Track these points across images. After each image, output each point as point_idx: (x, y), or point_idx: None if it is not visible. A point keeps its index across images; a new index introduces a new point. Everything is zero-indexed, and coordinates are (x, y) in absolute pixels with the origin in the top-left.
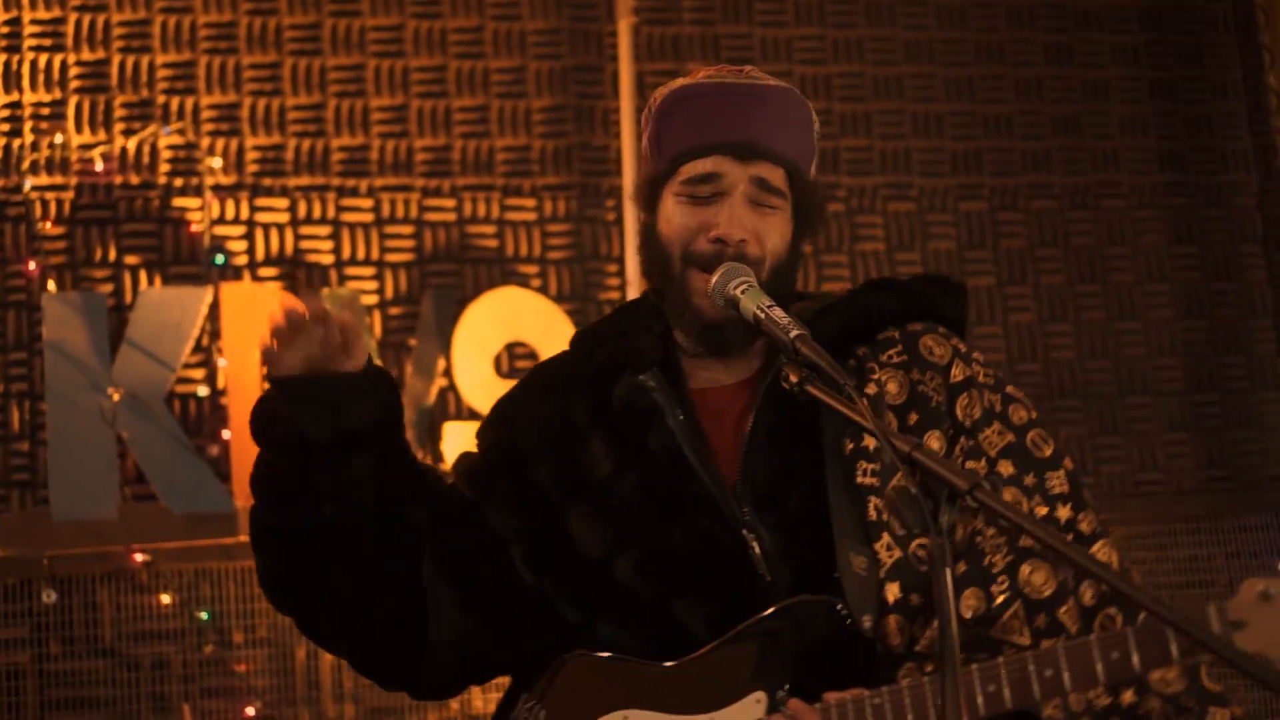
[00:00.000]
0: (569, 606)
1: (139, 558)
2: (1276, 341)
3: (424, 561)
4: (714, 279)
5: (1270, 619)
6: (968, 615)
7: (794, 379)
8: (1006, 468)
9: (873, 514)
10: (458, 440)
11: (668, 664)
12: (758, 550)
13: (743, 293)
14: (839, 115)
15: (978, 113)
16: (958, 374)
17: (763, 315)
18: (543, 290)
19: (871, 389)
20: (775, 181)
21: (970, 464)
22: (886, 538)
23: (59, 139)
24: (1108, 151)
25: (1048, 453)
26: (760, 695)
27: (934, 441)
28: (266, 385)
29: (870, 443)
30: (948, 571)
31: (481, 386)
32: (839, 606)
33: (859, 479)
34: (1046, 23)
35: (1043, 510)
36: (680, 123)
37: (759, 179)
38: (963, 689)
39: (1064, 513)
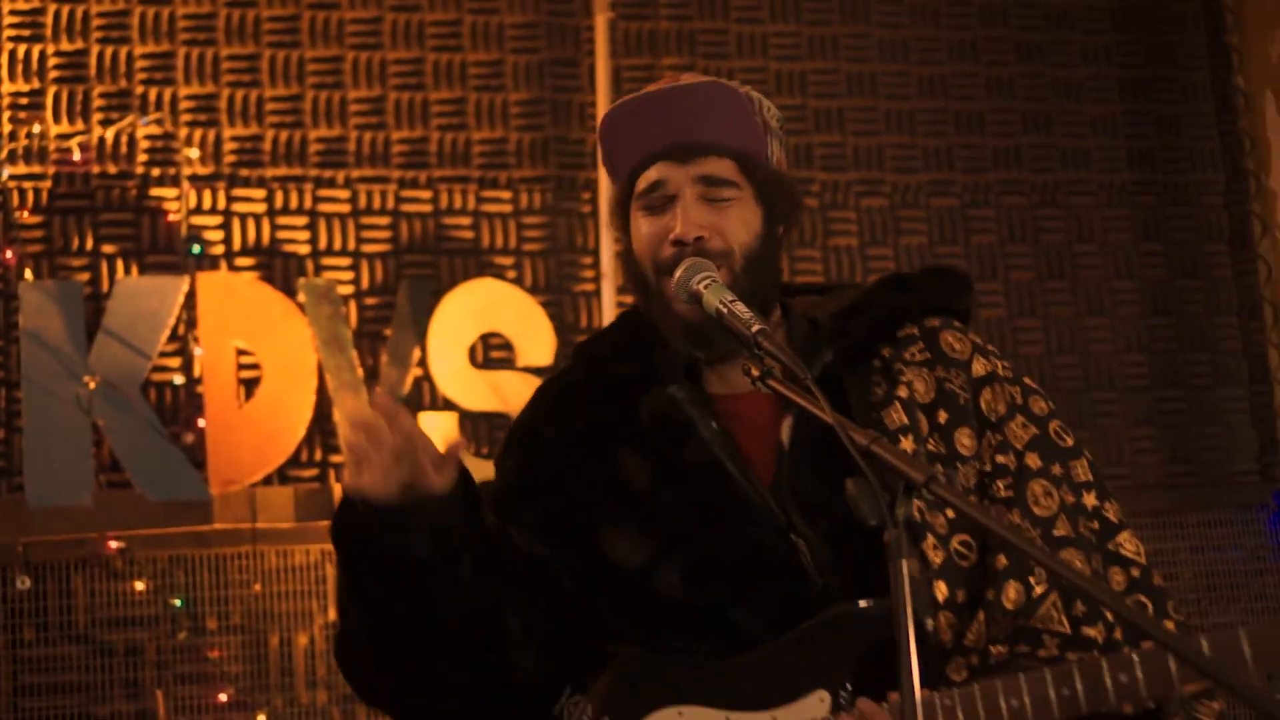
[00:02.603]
0: (619, 620)
1: (114, 544)
2: (1241, 339)
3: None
4: (676, 276)
5: None
6: (1009, 607)
7: (755, 373)
8: (1034, 460)
9: (916, 515)
10: (432, 431)
11: (723, 662)
12: (808, 556)
13: (705, 288)
14: (813, 111)
15: (950, 110)
16: (979, 369)
17: (724, 310)
18: (518, 282)
19: (903, 391)
20: (723, 173)
21: (1000, 458)
22: (931, 538)
23: (37, 128)
24: (1078, 150)
25: (1070, 442)
26: (823, 694)
27: (965, 438)
28: (347, 501)
29: (906, 444)
30: (904, 563)
31: (456, 377)
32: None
33: None
34: (1019, 21)
35: (1070, 499)
36: (622, 142)
37: (703, 176)
38: (1027, 689)
39: (1090, 500)
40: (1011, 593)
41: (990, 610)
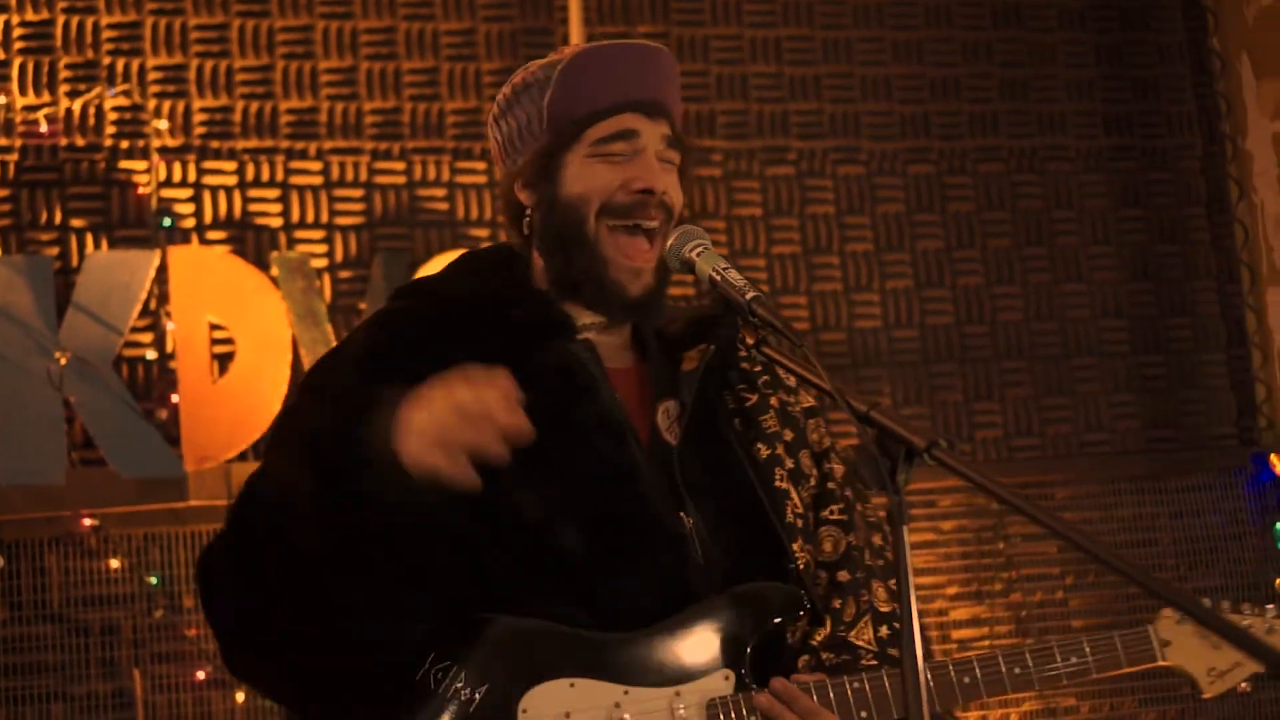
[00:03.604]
0: (497, 570)
1: (87, 522)
2: (1220, 303)
3: None
4: (671, 240)
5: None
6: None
7: (750, 341)
8: (850, 494)
9: (790, 516)
10: None
11: (617, 636)
12: (693, 533)
13: (698, 255)
14: (789, 79)
15: (926, 76)
16: (807, 400)
17: (719, 277)
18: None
19: (775, 401)
20: (673, 136)
21: (829, 485)
22: (799, 542)
23: (3, 100)
24: (1054, 115)
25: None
26: (728, 672)
27: (805, 459)
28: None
29: (780, 450)
30: (904, 529)
31: None
32: (802, 596)
33: (776, 483)
34: None
35: (876, 538)
36: (586, 85)
37: (667, 136)
38: (936, 679)
39: (876, 539)
40: (850, 607)
41: (835, 617)
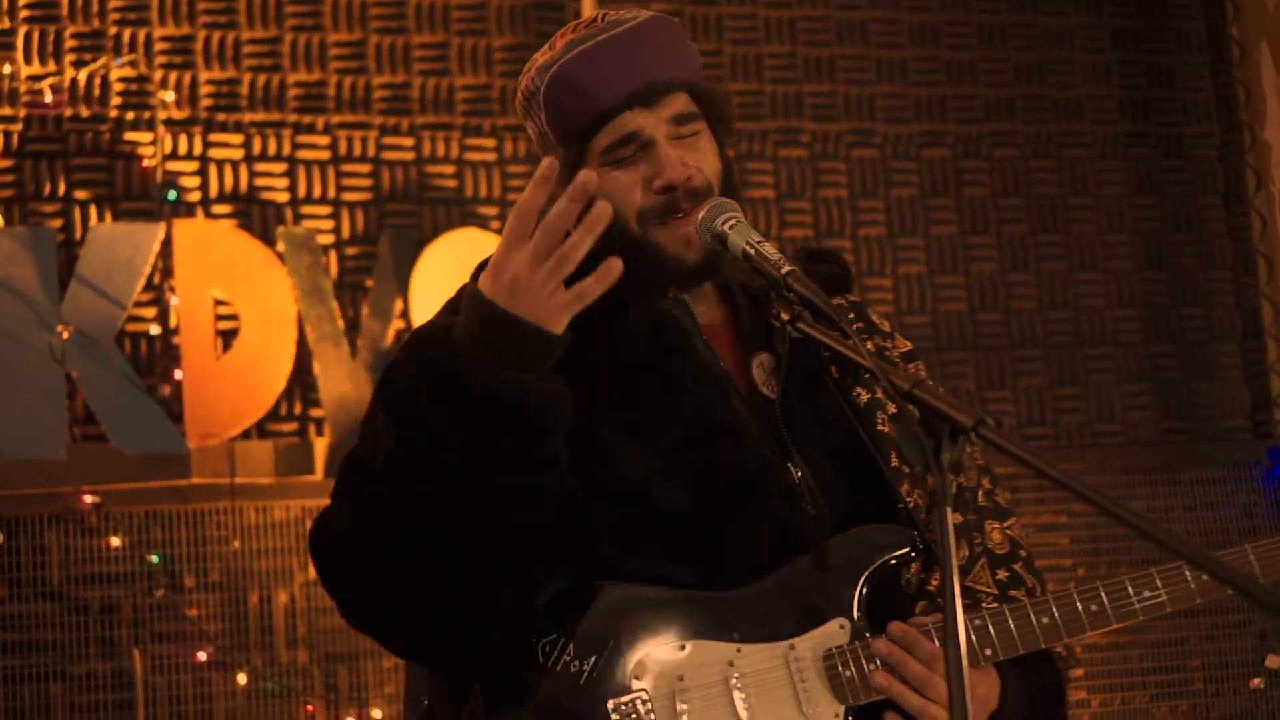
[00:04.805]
0: (605, 532)
1: (88, 499)
2: (1235, 294)
3: None
4: (700, 215)
5: None
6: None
7: (785, 316)
8: None
9: (895, 461)
10: None
11: (724, 595)
12: (802, 483)
13: (731, 228)
14: (803, 60)
15: (942, 59)
16: (903, 345)
17: (753, 251)
18: (502, 232)
19: (871, 347)
20: (686, 109)
21: None
22: (906, 485)
23: (7, 70)
24: (1071, 100)
25: None
26: (843, 622)
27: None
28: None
29: (880, 394)
30: (949, 510)
31: None
32: (912, 534)
33: (879, 427)
34: None
35: (986, 482)
36: (570, 100)
37: (673, 116)
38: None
39: (985, 482)
40: (964, 550)
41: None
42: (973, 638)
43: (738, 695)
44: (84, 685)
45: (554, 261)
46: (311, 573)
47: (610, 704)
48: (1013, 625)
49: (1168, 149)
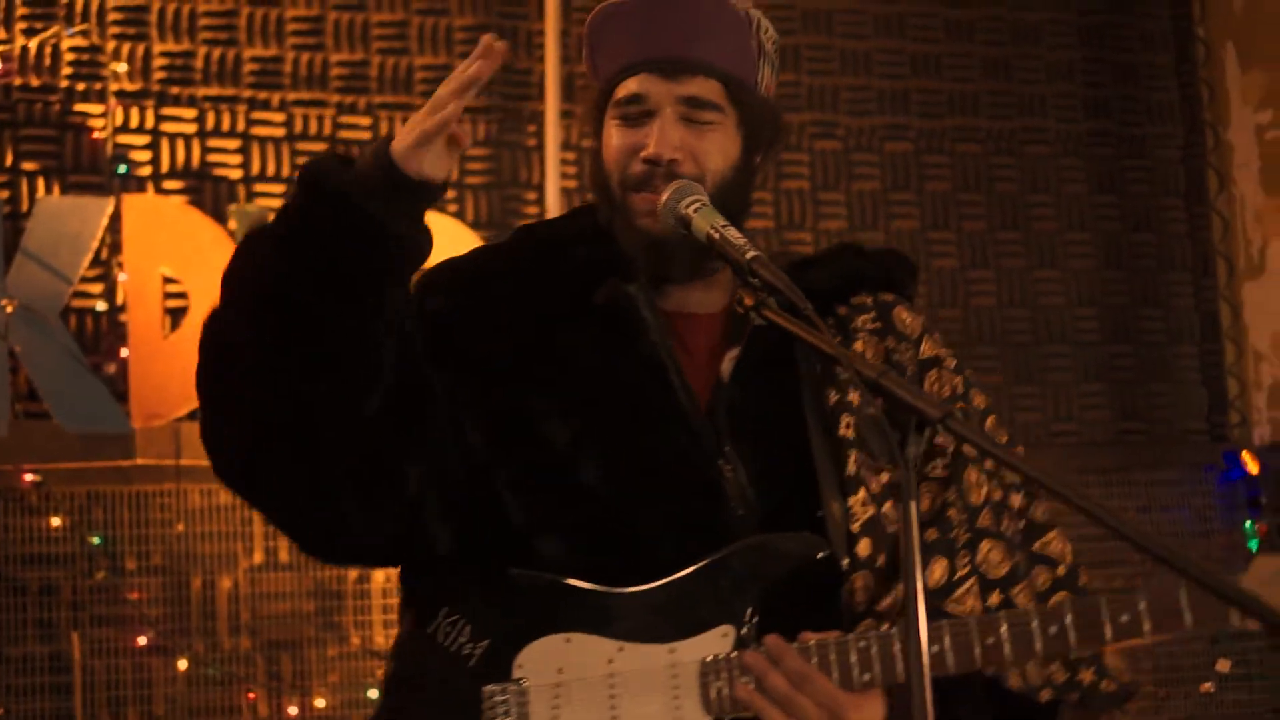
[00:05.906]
0: (517, 503)
1: (29, 478)
2: (1194, 296)
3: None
4: (664, 196)
5: None
6: (931, 584)
7: (749, 303)
8: (969, 450)
9: (852, 468)
10: None
11: (619, 591)
12: (732, 483)
13: (695, 211)
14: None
15: (907, 51)
16: (928, 350)
17: (717, 235)
18: (459, 216)
19: (860, 345)
20: (709, 96)
21: (938, 440)
22: (863, 493)
23: None
24: (1035, 97)
25: (1004, 439)
26: (727, 629)
27: None
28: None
29: (854, 398)
30: (913, 505)
31: None
32: (822, 543)
33: (840, 431)
34: None
35: (998, 495)
36: (609, 43)
37: (687, 97)
38: (951, 639)
39: (1017, 500)
40: (937, 571)
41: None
42: (853, 658)
43: (612, 695)
44: (20, 668)
45: (430, 104)
46: (257, 558)
47: (486, 690)
48: (897, 651)
49: (1130, 148)
